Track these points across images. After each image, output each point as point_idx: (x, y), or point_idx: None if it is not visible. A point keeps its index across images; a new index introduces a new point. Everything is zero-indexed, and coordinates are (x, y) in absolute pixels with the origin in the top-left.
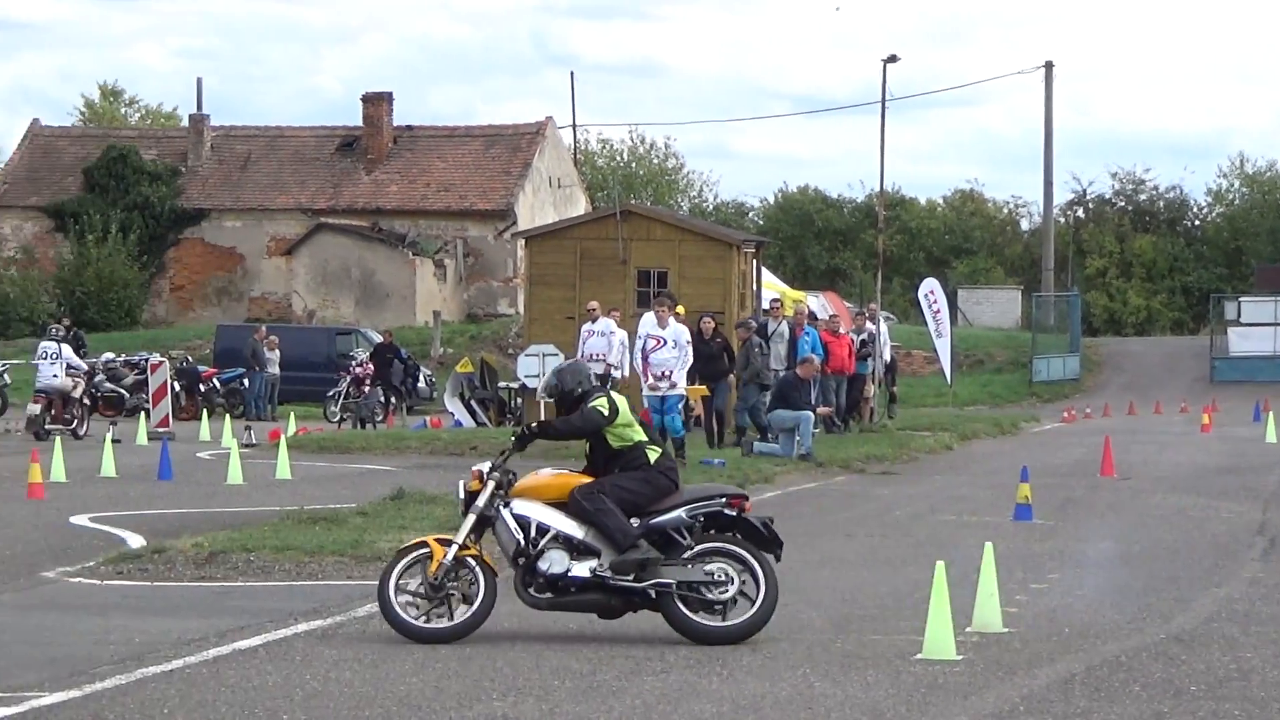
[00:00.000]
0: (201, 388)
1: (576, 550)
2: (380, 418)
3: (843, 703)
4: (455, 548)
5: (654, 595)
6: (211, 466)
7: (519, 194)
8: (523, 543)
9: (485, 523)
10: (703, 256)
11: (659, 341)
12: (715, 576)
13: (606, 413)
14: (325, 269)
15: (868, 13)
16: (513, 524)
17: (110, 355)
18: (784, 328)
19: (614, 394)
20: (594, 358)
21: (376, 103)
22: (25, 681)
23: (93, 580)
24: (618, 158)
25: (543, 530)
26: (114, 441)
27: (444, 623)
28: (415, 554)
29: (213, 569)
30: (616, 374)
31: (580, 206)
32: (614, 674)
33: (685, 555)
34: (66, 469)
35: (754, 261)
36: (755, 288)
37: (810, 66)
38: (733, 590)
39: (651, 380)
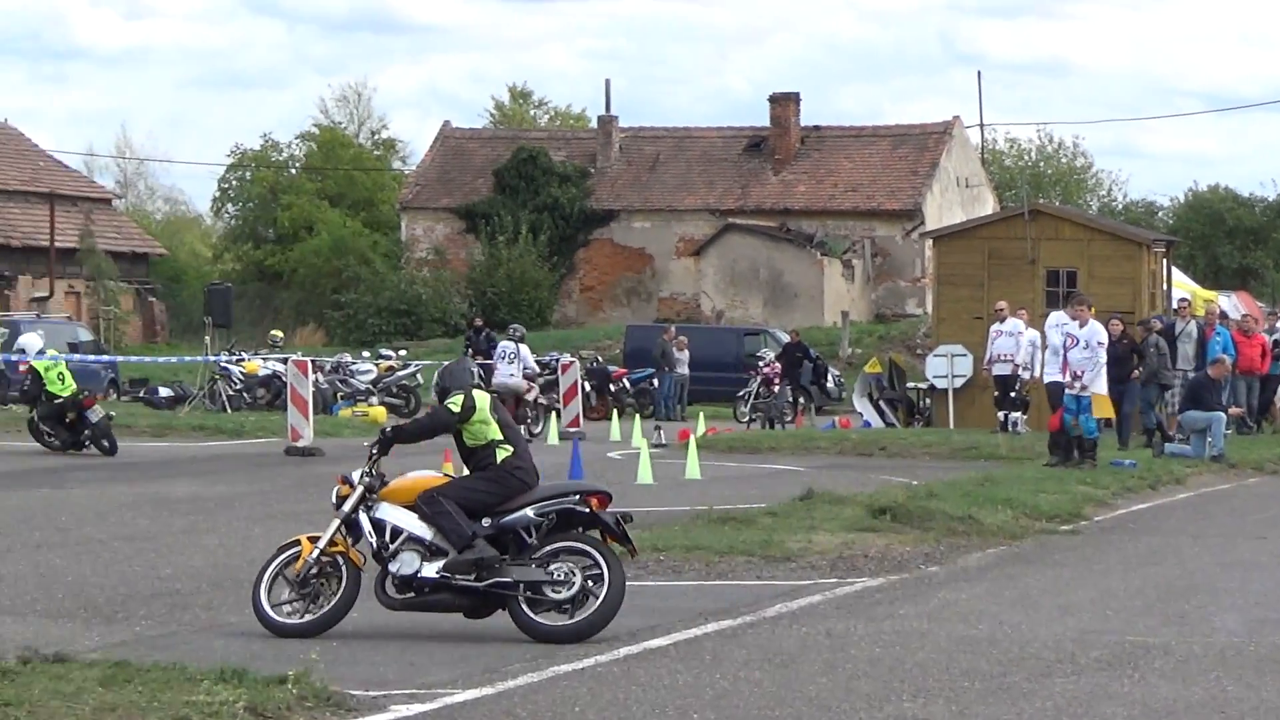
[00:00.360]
0: (612, 388)
1: (430, 552)
2: (789, 418)
3: (1257, 707)
4: (319, 549)
5: (501, 595)
6: (621, 466)
7: (926, 194)
8: (376, 545)
9: (351, 526)
10: (1112, 256)
11: (1074, 340)
12: (557, 575)
13: (457, 410)
14: (733, 269)
15: (1276, 10)
16: (367, 527)
17: None
18: (1192, 328)
19: (478, 392)
20: (1001, 358)
21: (784, 103)
22: (439, 679)
23: None
24: (1025, 157)
25: (396, 533)
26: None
27: (301, 618)
28: (288, 553)
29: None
30: (1025, 374)
31: (988, 206)
32: (1024, 675)
33: (535, 555)
34: None
35: (1164, 261)
36: (1165, 288)
37: (1218, 63)
38: (575, 589)
39: (1067, 378)
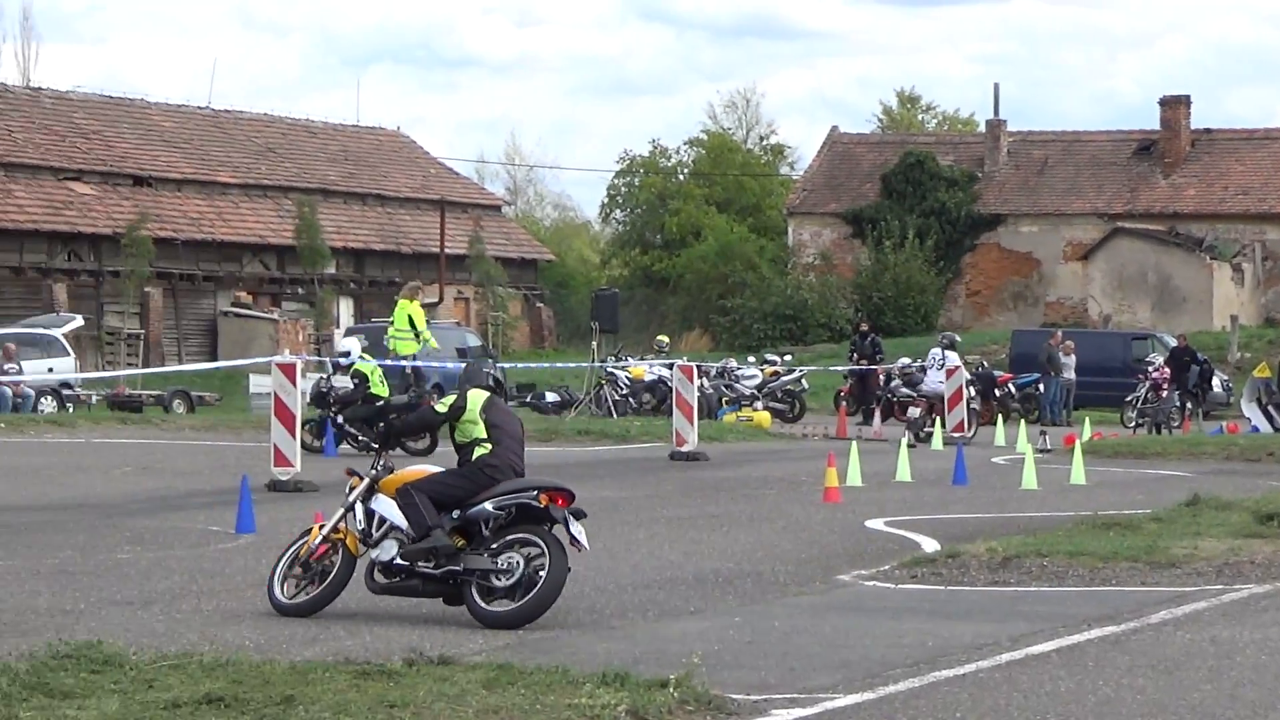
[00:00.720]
0: (997, 392)
1: (408, 540)
2: (1176, 423)
3: None
4: (323, 535)
5: (457, 582)
6: (1006, 471)
7: None
8: (362, 533)
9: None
10: None
11: None
12: (501, 565)
13: (442, 411)
14: (1121, 274)
15: None
16: (359, 515)
17: (906, 360)
18: None
19: (473, 393)
20: None
21: (1174, 106)
22: (820, 683)
23: (887, 584)
24: None
25: (383, 522)
26: (909, 446)
27: (295, 598)
28: (302, 538)
29: (1006, 574)
30: None
31: None
32: None
33: (491, 545)
34: (862, 473)
35: None
36: None
37: None
38: (516, 576)
39: None
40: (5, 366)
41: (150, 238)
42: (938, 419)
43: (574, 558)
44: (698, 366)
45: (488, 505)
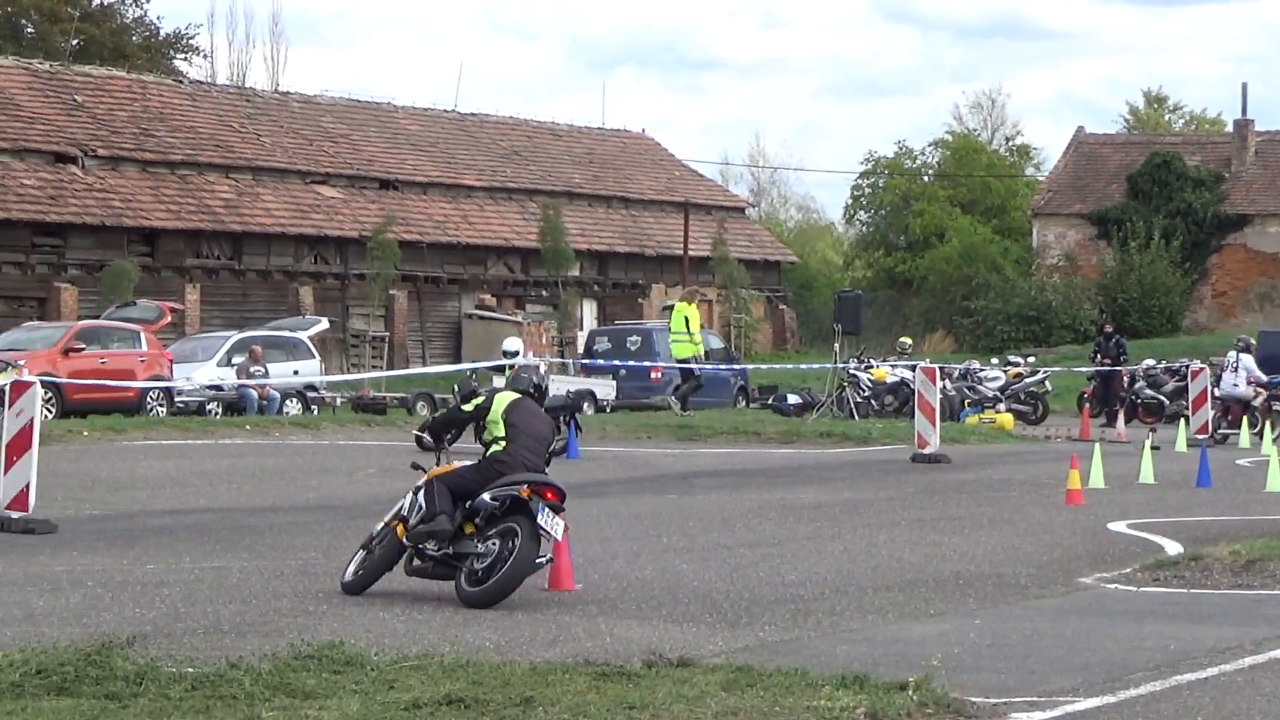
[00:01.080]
0: None
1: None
2: None
3: None
4: (384, 521)
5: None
6: (1250, 474)
7: None
8: (405, 517)
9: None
10: None
11: None
12: (480, 550)
13: (468, 410)
14: None
15: None
16: (406, 503)
17: (1150, 361)
18: None
19: (500, 395)
20: None
21: None
22: (1060, 686)
23: (1129, 587)
24: None
25: (419, 509)
26: (1153, 448)
27: (351, 577)
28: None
29: (1249, 577)
30: None
31: None
32: None
33: (486, 532)
34: (1105, 475)
35: None
36: None
37: None
38: (489, 561)
39: None
40: (251, 369)
41: (396, 241)
42: (1245, 422)
43: (824, 558)
44: (940, 368)
45: (486, 496)
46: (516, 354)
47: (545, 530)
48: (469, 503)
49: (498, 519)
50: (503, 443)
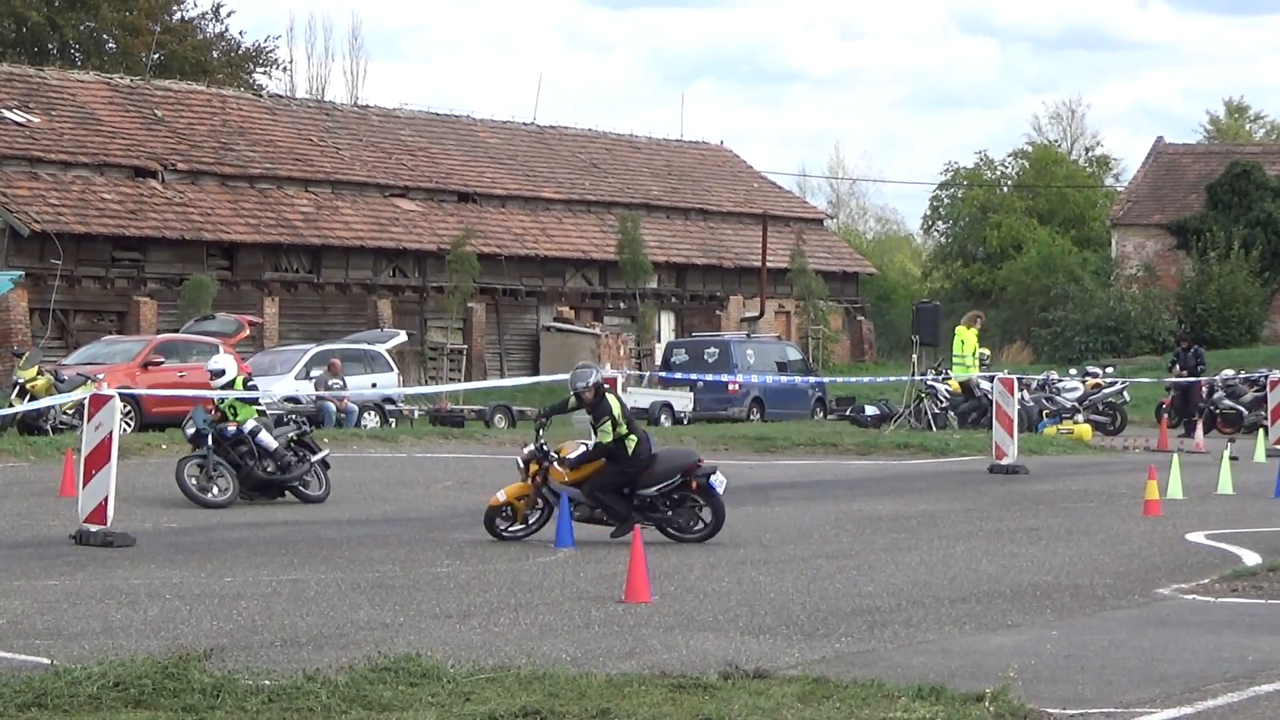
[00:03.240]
0: None
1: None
2: None
3: None
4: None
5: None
6: None
7: None
8: (542, 506)
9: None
10: None
11: None
12: (685, 518)
13: (570, 402)
14: None
15: None
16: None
17: (1229, 372)
18: None
19: (610, 398)
20: None
21: None
22: (1137, 698)
23: (1207, 597)
24: None
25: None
26: (1231, 459)
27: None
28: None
29: None
30: None
31: None
32: None
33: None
34: (1183, 486)
35: None
36: None
37: None
38: (700, 521)
39: None
40: (330, 382)
41: (474, 254)
42: None
43: (900, 570)
44: (1018, 379)
45: (654, 490)
46: (223, 373)
47: (717, 489)
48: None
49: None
50: (634, 436)
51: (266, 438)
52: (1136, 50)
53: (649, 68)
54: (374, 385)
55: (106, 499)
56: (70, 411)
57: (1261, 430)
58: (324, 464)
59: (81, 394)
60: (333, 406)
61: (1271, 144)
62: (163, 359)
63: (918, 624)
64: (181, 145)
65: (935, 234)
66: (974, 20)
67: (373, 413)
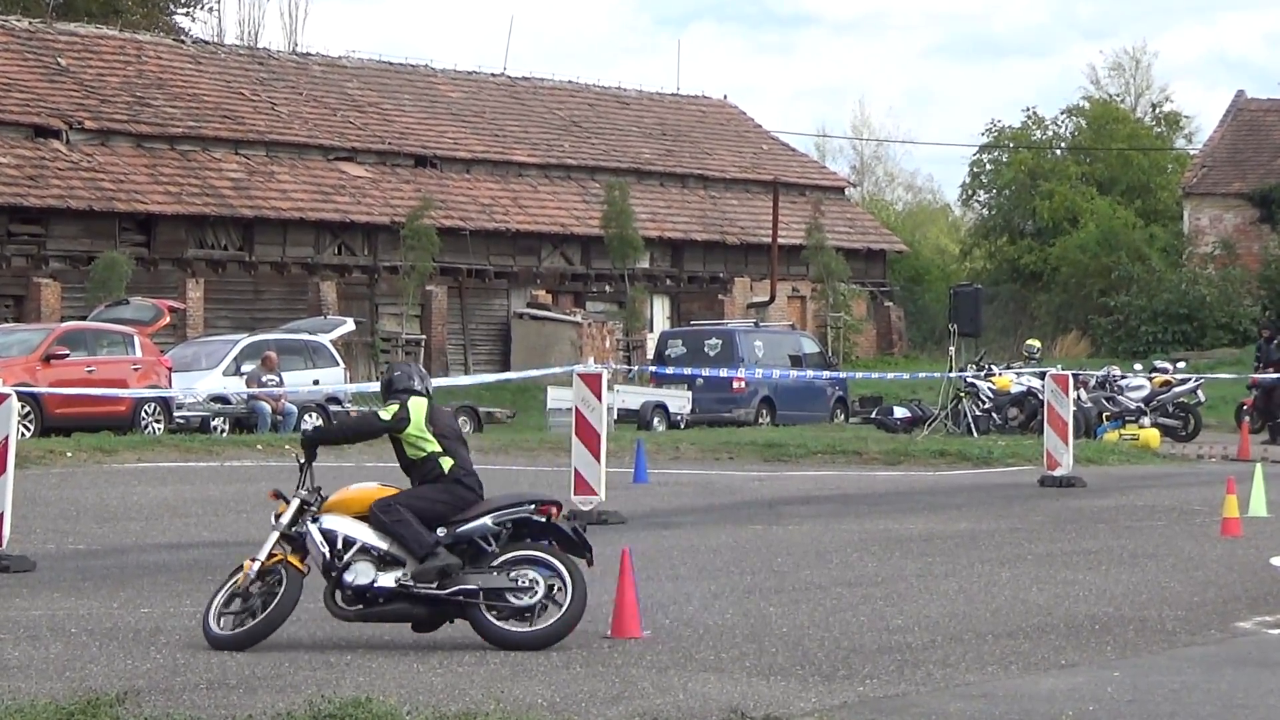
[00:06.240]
0: None
1: (383, 562)
2: None
3: None
4: (259, 563)
5: (461, 603)
6: None
7: None
8: (329, 556)
9: (293, 540)
10: None
11: None
12: (520, 583)
13: (388, 418)
14: None
15: None
16: (319, 539)
17: None
18: None
19: (414, 400)
20: None
21: None
22: None
23: None
24: None
25: (349, 543)
26: None
27: (233, 630)
28: (233, 577)
29: None
30: None
31: None
32: None
33: (494, 563)
34: (1268, 502)
35: None
36: None
37: None
38: (539, 595)
39: None
40: (264, 378)
41: (434, 227)
42: None
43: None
44: (1074, 376)
45: (488, 520)
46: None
47: (590, 554)
48: (441, 530)
49: (506, 545)
50: (447, 456)
51: None
52: None
53: (638, 9)
54: (316, 382)
55: (2, 516)
56: None
57: None
58: None
59: None
60: (267, 407)
61: None
62: (68, 351)
63: (955, 663)
64: (90, 100)
65: (975, 205)
66: None
67: (314, 414)
